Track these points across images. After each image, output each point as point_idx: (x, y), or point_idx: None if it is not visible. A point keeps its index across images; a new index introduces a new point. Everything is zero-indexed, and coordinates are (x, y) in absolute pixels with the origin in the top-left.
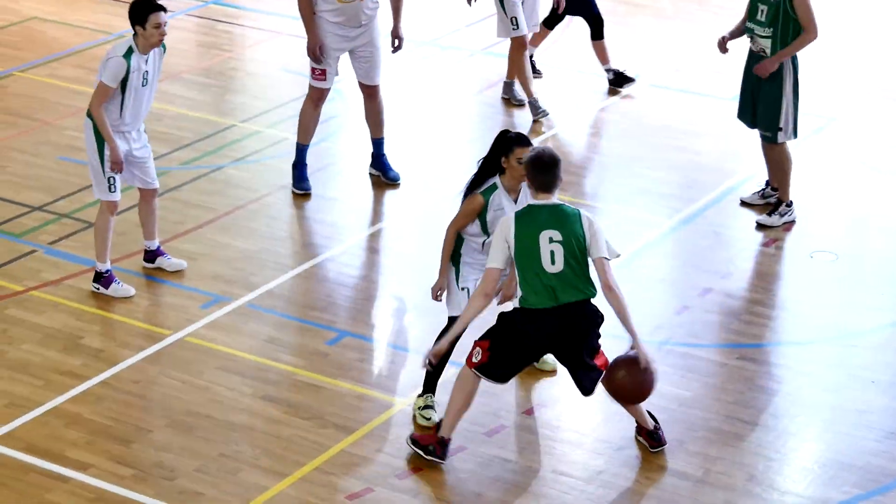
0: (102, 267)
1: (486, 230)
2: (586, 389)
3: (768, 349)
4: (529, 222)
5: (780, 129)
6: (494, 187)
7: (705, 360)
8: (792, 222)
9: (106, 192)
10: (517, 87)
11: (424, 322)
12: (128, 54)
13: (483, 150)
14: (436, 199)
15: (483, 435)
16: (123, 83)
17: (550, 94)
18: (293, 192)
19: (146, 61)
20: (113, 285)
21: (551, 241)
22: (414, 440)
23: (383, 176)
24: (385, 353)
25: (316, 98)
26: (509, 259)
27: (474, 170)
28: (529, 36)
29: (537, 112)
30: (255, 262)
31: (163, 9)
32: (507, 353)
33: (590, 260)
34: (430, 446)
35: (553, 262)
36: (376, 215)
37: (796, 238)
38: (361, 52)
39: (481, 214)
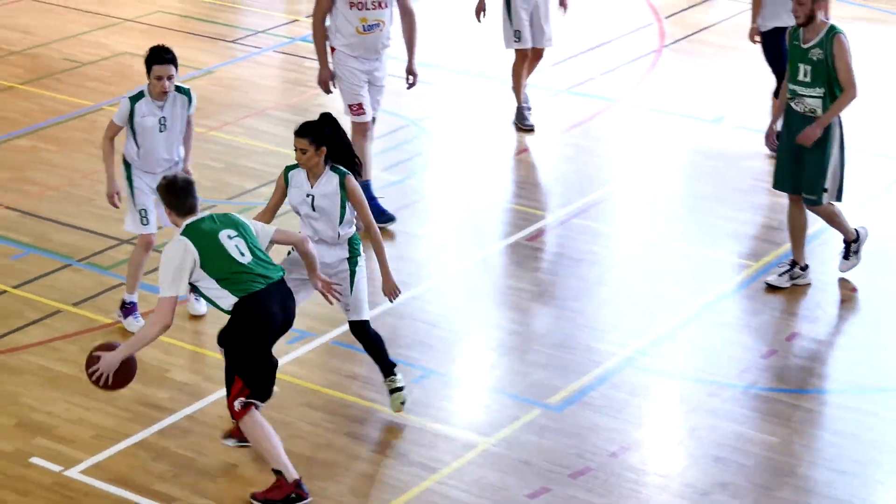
0: (128, 297)
1: (292, 205)
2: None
3: (855, 395)
4: (203, 233)
5: (826, 191)
6: (296, 166)
7: (791, 405)
8: (858, 256)
9: (138, 224)
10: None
11: (508, 361)
12: (136, 98)
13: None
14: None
15: (568, 477)
16: (133, 124)
17: (637, 136)
18: None
19: (161, 107)
20: (129, 318)
21: (230, 237)
22: (267, 500)
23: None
24: (469, 392)
25: (362, 132)
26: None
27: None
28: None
29: (523, 122)
30: None
31: (169, 62)
32: (258, 369)
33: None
34: (290, 495)
35: (242, 254)
36: (464, 251)
37: (885, 282)
38: (375, 83)
39: (286, 190)
